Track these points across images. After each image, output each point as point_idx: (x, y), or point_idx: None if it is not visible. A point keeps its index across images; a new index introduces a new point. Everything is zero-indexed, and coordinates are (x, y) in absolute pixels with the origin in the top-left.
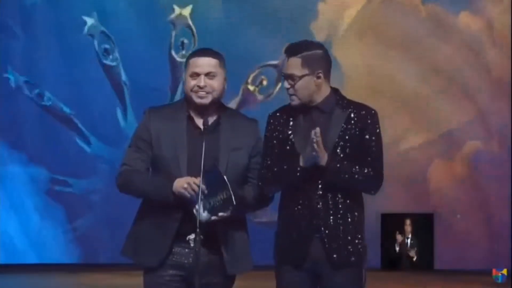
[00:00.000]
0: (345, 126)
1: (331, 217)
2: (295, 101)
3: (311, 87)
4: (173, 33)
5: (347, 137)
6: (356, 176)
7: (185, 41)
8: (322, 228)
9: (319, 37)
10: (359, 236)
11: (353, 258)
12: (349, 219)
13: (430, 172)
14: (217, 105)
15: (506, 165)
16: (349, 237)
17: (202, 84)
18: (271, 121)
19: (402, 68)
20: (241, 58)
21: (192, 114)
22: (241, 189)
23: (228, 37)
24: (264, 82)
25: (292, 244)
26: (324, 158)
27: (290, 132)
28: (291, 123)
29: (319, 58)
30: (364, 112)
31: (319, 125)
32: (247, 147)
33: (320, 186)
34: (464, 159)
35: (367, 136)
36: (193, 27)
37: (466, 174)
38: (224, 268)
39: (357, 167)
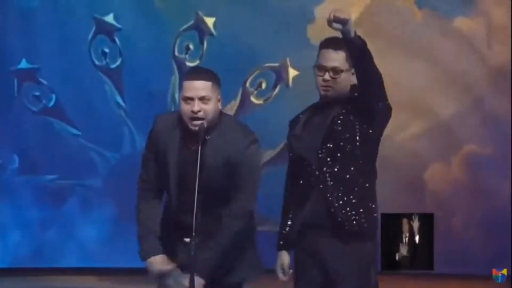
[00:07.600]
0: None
1: (334, 187)
2: (330, 92)
3: (347, 83)
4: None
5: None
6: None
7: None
8: (330, 199)
9: (315, 40)
10: (371, 205)
11: (366, 225)
12: (356, 189)
13: (429, 173)
14: (210, 124)
15: (506, 165)
16: (359, 208)
17: (195, 109)
18: (289, 124)
19: (400, 71)
20: (240, 60)
21: (185, 133)
22: (216, 238)
23: (227, 39)
24: (263, 85)
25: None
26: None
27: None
28: (298, 124)
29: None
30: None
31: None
32: (225, 166)
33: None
34: (464, 159)
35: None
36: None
37: (466, 175)
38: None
39: None
